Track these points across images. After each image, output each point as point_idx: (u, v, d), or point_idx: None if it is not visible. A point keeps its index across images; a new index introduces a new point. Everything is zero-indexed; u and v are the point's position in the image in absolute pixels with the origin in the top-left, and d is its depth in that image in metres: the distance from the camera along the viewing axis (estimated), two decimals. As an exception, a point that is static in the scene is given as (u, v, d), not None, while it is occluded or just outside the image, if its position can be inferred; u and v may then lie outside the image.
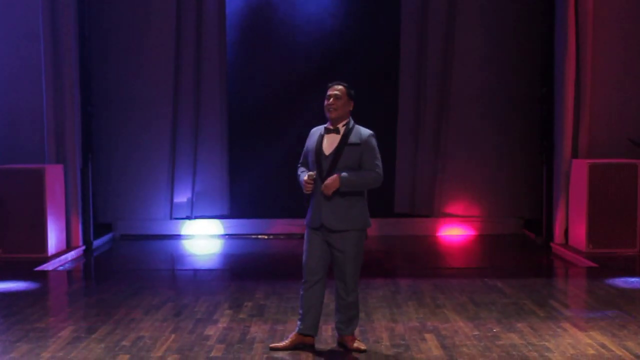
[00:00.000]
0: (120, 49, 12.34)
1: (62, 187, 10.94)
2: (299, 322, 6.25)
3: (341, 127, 6.10)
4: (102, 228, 12.27)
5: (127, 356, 6.10)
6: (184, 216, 12.73)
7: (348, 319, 6.22)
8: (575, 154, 11.06)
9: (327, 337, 6.61)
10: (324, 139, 6.11)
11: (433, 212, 12.80)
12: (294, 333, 6.29)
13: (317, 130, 6.24)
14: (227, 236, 12.51)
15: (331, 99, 6.09)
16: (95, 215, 11.96)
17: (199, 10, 12.54)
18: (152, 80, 12.38)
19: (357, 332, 6.59)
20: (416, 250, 12.08)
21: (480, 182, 12.66)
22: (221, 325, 7.03)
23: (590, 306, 7.80)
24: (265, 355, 6.07)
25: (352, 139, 6.05)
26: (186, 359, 6.03)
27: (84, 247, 11.30)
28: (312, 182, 6.03)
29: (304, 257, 6.18)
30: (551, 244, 11.33)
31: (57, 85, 10.92)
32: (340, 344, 6.32)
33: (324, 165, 6.05)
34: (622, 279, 8.92)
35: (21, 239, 10.46)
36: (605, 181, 10.58)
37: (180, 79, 12.55)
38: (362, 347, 6.22)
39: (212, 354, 6.15)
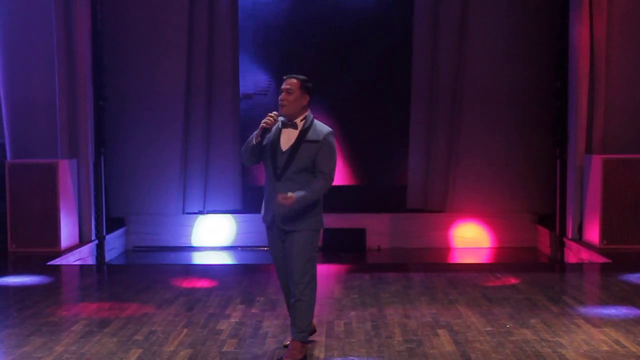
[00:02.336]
0: (132, 43, 12.34)
1: (74, 181, 10.96)
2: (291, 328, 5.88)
3: (299, 122, 5.75)
4: (114, 222, 12.30)
5: (140, 350, 6.10)
6: (196, 211, 12.74)
7: (295, 324, 5.78)
8: (589, 149, 10.99)
9: (339, 331, 6.60)
10: (282, 134, 5.75)
11: (446, 207, 12.76)
12: (290, 339, 5.88)
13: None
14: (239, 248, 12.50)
15: (283, 94, 5.72)
16: (108, 209, 11.98)
17: (211, 4, 12.53)
18: (165, 75, 12.38)
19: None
20: (429, 246, 12.07)
21: (493, 177, 12.59)
22: (233, 319, 7.03)
23: (604, 302, 7.75)
24: (277, 350, 6.06)
25: (311, 135, 5.70)
26: (198, 353, 6.03)
27: (96, 242, 11.33)
28: (273, 118, 5.66)
29: (273, 259, 5.97)
30: (565, 240, 11.28)
31: (70, 80, 10.94)
32: (286, 346, 6.01)
33: (279, 161, 5.71)
34: (636, 275, 8.86)
35: (34, 233, 10.50)
36: (619, 176, 10.52)
37: (193, 72, 12.55)
38: None
39: (225, 349, 6.14)
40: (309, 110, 5.82)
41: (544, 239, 12.19)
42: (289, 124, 5.75)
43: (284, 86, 5.75)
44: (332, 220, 12.26)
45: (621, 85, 11.00)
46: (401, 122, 12.85)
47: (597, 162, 10.58)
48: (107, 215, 11.89)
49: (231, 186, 12.76)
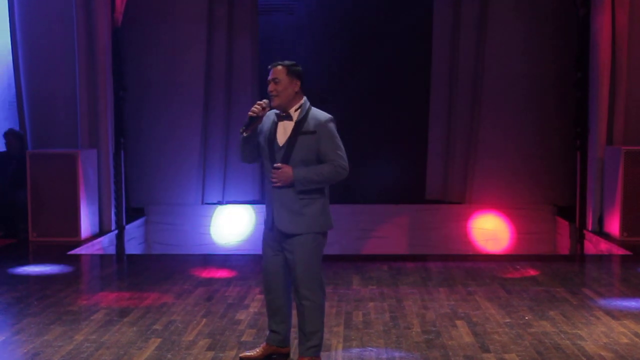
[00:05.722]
0: (152, 33, 12.36)
1: (95, 171, 11.02)
2: (268, 332, 5.59)
3: (294, 113, 5.23)
4: (134, 212, 12.36)
5: (159, 340, 6.14)
6: (216, 201, 12.78)
7: (304, 334, 5.34)
8: (610, 141, 10.92)
9: (357, 322, 6.60)
10: (278, 127, 5.26)
11: (465, 199, 12.72)
12: (264, 343, 5.62)
13: (271, 114, 5.34)
14: None
15: (270, 85, 5.23)
16: (127, 199, 12.04)
17: (231, -5, 12.56)
18: (184, 65, 12.41)
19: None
20: (447, 237, 12.03)
21: (513, 169, 12.53)
22: (252, 310, 7.05)
23: (624, 294, 7.71)
24: (295, 341, 6.07)
25: (307, 126, 5.17)
26: (217, 343, 6.06)
27: (116, 231, 11.39)
28: (262, 106, 5.26)
29: (263, 261, 5.49)
30: (584, 232, 11.22)
31: (90, 71, 10.97)
32: None
33: (277, 157, 5.22)
34: (657, 267, 8.81)
35: (55, 222, 10.56)
36: (640, 168, 10.45)
37: (212, 63, 12.57)
38: None
39: (243, 339, 6.16)
40: (304, 98, 5.29)
41: (563, 231, 12.13)
42: (284, 115, 5.26)
43: (270, 77, 5.25)
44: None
45: (643, 76, 10.90)
46: (420, 112, 12.80)
47: (618, 154, 10.51)
48: (127, 205, 11.95)
49: (250, 177, 12.78)
